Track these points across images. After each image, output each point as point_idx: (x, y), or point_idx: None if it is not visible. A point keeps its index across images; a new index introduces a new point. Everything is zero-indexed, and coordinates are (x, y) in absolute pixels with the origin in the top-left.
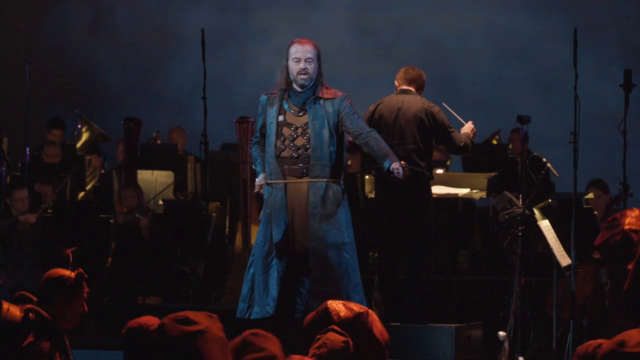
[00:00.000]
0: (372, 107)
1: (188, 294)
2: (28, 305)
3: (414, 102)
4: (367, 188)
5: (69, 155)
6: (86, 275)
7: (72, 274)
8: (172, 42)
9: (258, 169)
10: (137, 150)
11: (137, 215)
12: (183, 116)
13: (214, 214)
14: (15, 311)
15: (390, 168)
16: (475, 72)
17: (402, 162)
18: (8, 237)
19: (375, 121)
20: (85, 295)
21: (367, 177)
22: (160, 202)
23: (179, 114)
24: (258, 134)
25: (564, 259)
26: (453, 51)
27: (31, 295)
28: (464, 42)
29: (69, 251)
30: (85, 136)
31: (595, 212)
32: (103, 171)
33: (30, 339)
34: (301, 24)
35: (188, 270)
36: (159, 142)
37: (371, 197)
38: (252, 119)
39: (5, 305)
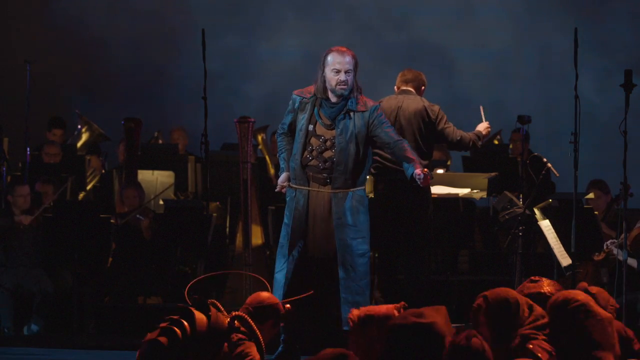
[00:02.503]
0: None
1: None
2: (236, 313)
3: (414, 102)
4: (367, 188)
5: (69, 155)
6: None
7: (286, 307)
8: (174, 41)
9: (282, 164)
10: (138, 150)
11: (137, 216)
12: (184, 116)
13: (214, 214)
14: (224, 320)
15: (414, 175)
16: (476, 72)
17: (425, 170)
18: (8, 237)
19: None
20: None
21: (367, 177)
22: (161, 202)
23: (180, 114)
24: (285, 126)
25: (564, 259)
26: (453, 51)
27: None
28: (464, 40)
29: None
30: (85, 136)
31: (596, 212)
32: (104, 171)
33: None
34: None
35: (188, 270)
36: (160, 142)
37: (371, 197)
38: (252, 119)
39: (214, 310)
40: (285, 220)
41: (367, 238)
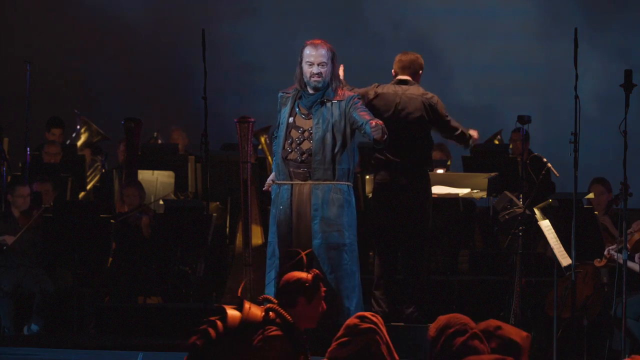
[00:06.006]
0: (370, 94)
1: (188, 294)
2: (269, 305)
3: (412, 98)
4: (367, 188)
5: (69, 155)
6: (322, 276)
7: (309, 276)
8: (175, 42)
9: (274, 166)
10: (138, 150)
11: (137, 214)
12: (184, 116)
13: (214, 214)
14: (256, 311)
15: (369, 130)
16: (475, 71)
17: (380, 122)
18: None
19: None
20: (323, 294)
21: (367, 177)
22: (161, 202)
23: (180, 114)
24: (277, 130)
25: (564, 259)
26: (452, 48)
27: (272, 298)
28: (463, 39)
29: (303, 254)
30: (84, 136)
31: (596, 212)
32: (104, 170)
33: (259, 336)
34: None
35: (188, 270)
36: (159, 142)
37: (370, 197)
38: (252, 119)
39: (247, 304)
40: (271, 218)
41: (344, 232)
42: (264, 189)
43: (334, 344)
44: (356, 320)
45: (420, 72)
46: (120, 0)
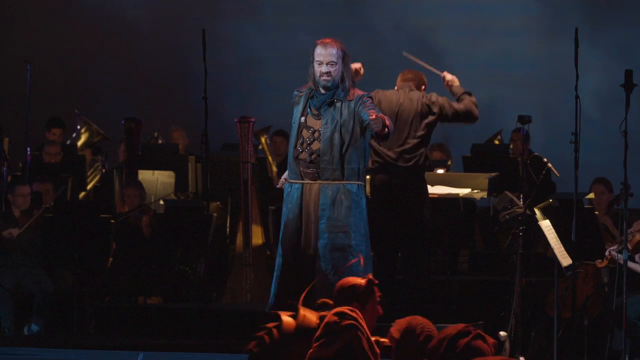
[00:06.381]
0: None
1: (189, 294)
2: (323, 313)
3: (412, 101)
4: (368, 188)
5: (69, 155)
6: (377, 281)
7: (364, 281)
8: (175, 42)
9: (288, 164)
10: (138, 150)
11: (137, 214)
12: (184, 116)
13: (214, 214)
14: (311, 317)
15: (370, 122)
16: (475, 70)
17: (381, 115)
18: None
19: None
20: (378, 299)
21: (367, 177)
22: (161, 202)
23: (180, 114)
24: None
25: (564, 259)
26: (452, 48)
27: (330, 301)
28: (463, 39)
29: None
30: (84, 136)
31: (597, 213)
32: (104, 170)
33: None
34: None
35: (189, 270)
36: (159, 142)
37: (369, 198)
38: (252, 119)
39: (302, 311)
40: (282, 216)
41: (350, 233)
42: (277, 186)
43: (314, 345)
44: (335, 318)
45: (423, 87)
46: (121, 0)
